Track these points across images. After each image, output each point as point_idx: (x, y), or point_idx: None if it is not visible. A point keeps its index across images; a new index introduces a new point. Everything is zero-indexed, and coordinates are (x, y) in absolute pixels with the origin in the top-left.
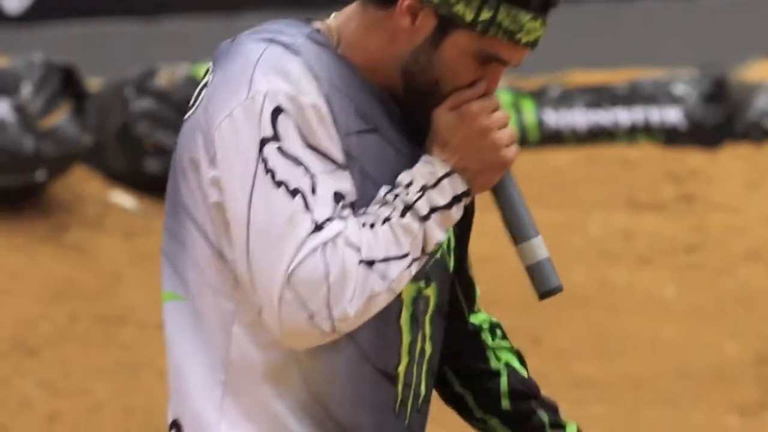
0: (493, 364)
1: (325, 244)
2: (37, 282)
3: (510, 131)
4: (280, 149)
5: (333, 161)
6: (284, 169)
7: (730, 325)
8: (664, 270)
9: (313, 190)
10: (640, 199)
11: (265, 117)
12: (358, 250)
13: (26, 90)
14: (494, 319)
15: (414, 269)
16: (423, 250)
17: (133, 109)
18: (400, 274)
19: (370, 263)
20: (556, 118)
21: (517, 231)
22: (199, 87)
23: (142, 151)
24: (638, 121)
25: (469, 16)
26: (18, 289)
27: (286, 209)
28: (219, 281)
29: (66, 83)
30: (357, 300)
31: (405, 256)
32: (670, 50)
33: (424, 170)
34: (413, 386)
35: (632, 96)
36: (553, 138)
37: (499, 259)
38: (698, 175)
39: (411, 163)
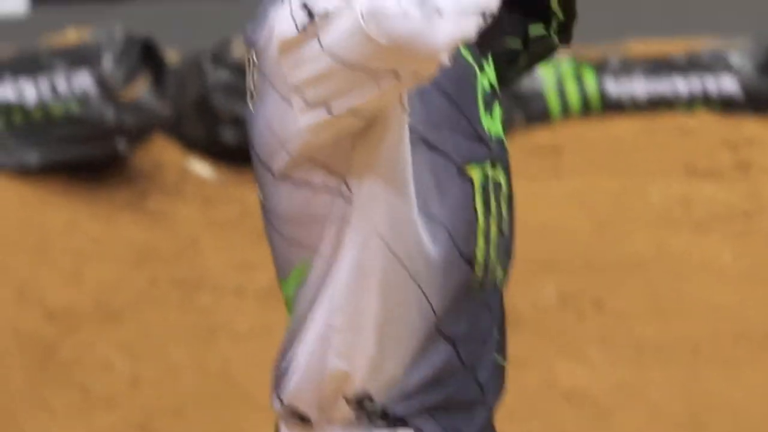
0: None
1: None
2: (119, 248)
3: None
4: None
5: None
6: None
7: None
8: (721, 236)
9: None
10: (698, 166)
11: None
12: None
13: (107, 62)
14: None
15: None
16: None
17: (211, 80)
18: None
19: None
20: (616, 87)
21: None
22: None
23: (218, 121)
24: (696, 90)
25: None
26: (100, 254)
27: None
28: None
29: (145, 55)
30: None
31: None
32: (725, 19)
33: None
34: (490, 269)
35: (689, 66)
36: (614, 107)
37: (560, 226)
38: (754, 143)
39: None
